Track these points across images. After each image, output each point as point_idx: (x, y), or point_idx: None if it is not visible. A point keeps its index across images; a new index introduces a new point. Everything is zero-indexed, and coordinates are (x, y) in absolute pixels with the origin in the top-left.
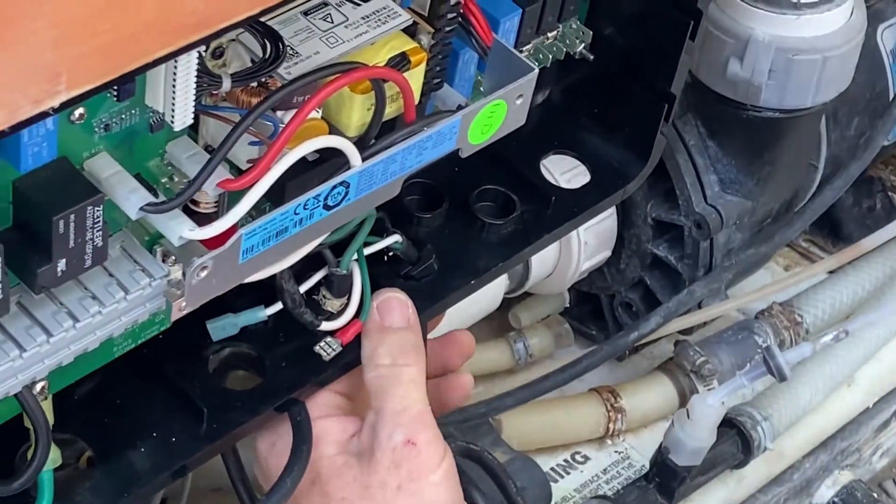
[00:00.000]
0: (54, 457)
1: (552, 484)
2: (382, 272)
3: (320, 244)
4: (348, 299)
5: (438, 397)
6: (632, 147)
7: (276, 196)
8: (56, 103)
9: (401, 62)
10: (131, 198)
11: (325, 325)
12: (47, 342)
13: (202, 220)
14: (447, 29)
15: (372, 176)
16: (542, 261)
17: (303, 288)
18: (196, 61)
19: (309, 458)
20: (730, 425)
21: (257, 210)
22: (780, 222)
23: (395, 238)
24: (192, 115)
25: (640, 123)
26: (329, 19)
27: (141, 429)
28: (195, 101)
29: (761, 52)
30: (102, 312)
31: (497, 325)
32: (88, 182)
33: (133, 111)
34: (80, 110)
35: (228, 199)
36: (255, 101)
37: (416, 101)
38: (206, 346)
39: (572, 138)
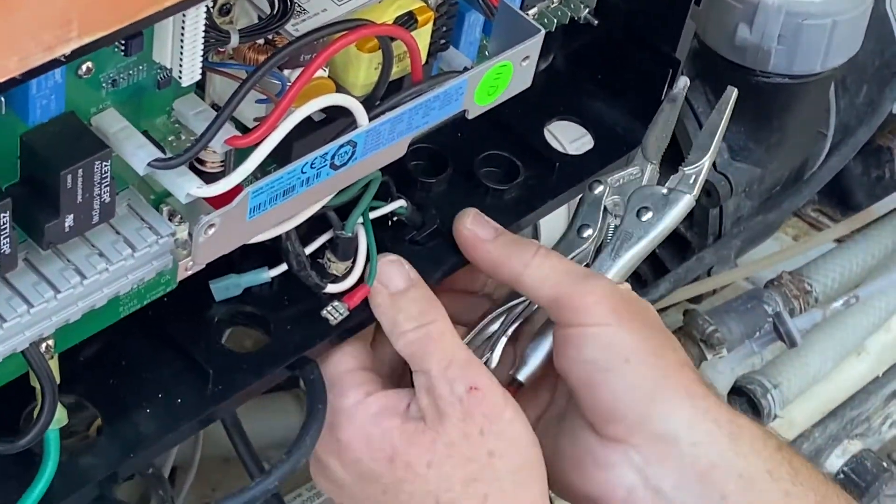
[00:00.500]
0: (60, 417)
1: None
2: (387, 237)
3: (325, 206)
4: (353, 262)
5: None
6: (636, 113)
7: (282, 156)
8: (67, 50)
9: (408, 21)
10: (139, 153)
11: (331, 288)
12: (55, 298)
13: (208, 179)
14: None
15: (379, 136)
16: (552, 227)
17: (307, 250)
18: (204, 16)
19: (325, 417)
20: (739, 393)
21: (263, 172)
22: (789, 190)
23: (399, 203)
24: (200, 71)
25: (644, 89)
26: None
27: (146, 390)
28: (203, 57)
29: (771, 17)
30: (110, 269)
31: None
32: (96, 137)
33: (140, 67)
34: (88, 64)
35: (235, 159)
36: (262, 58)
37: (423, 62)
38: (211, 308)
39: (576, 104)
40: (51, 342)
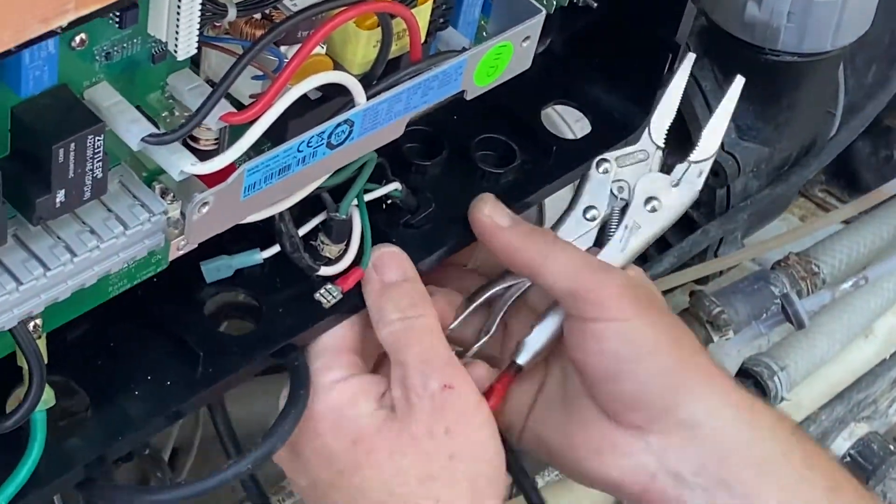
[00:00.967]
0: (47, 398)
1: None
2: (381, 220)
3: (319, 187)
4: (347, 245)
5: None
6: (634, 98)
7: (277, 135)
8: (65, 22)
9: None
10: (132, 128)
11: (324, 271)
12: (44, 276)
13: (202, 156)
14: None
15: (376, 115)
16: (560, 208)
17: (300, 232)
18: None
19: (306, 404)
20: (746, 375)
21: (256, 151)
22: (797, 166)
23: (394, 185)
24: (196, 45)
25: (643, 73)
26: None
27: (135, 373)
28: (199, 30)
29: None
30: (101, 247)
31: None
32: (89, 110)
33: (135, 40)
34: (82, 35)
35: (229, 137)
36: (258, 33)
37: (422, 40)
38: (202, 291)
39: (574, 88)
40: (39, 321)
